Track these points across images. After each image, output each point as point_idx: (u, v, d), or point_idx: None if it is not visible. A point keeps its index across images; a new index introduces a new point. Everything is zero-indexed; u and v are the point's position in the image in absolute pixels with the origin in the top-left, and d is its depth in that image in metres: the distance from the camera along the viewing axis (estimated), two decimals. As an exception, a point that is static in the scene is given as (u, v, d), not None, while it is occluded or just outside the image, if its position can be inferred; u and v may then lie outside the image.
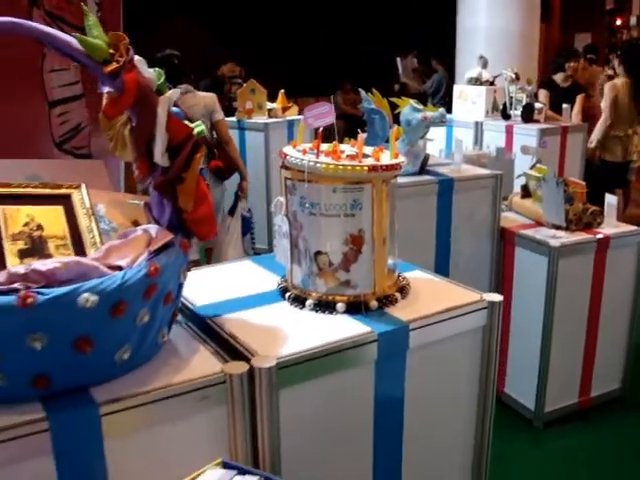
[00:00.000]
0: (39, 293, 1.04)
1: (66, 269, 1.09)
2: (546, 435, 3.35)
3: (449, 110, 6.33)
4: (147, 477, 1.16)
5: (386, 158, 1.51)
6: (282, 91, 5.90)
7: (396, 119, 3.17)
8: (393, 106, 3.13)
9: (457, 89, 6.17)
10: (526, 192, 3.58)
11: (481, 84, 6.00)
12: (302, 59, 11.33)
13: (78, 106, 3.84)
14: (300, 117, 5.93)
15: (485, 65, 6.06)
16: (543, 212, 3.33)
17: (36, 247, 1.25)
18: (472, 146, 5.48)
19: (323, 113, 1.56)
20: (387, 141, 3.09)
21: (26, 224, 1.29)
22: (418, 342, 1.46)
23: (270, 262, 1.78)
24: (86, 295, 1.06)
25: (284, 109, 5.79)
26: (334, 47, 11.75)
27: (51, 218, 1.32)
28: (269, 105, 5.84)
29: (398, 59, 10.13)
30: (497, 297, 1.58)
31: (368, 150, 1.54)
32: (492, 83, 6.03)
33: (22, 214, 1.30)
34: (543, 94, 6.22)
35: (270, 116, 5.78)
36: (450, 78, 8.95)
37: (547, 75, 6.74)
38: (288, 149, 1.53)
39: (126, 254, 1.19)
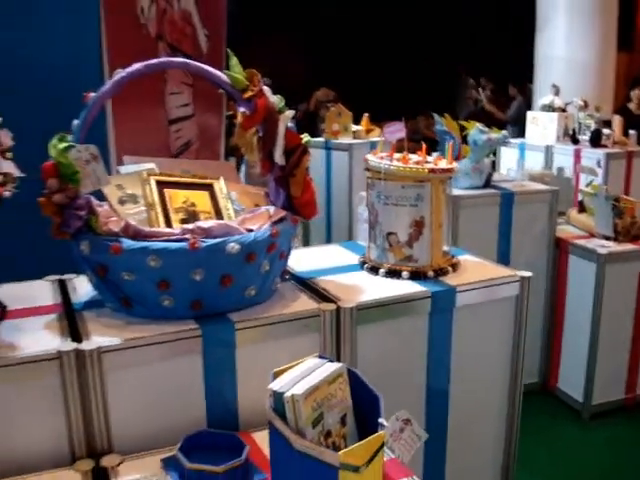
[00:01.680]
0: (202, 241, 1.58)
1: (219, 228, 1.63)
2: (592, 425, 3.75)
3: (522, 134, 6.77)
4: (262, 373, 1.68)
5: (442, 164, 2.02)
6: (366, 115, 6.43)
7: (465, 140, 3.66)
8: (462, 128, 3.62)
9: (530, 115, 6.58)
10: (582, 207, 4.01)
11: (553, 110, 6.41)
12: (387, 85, 11.85)
13: (189, 125, 4.46)
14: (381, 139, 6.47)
15: (557, 93, 6.47)
16: (594, 224, 3.75)
17: (191, 218, 1.79)
18: (542, 168, 5.89)
19: (397, 130, 2.07)
20: (457, 159, 3.61)
21: (184, 202, 1.83)
22: (462, 302, 1.95)
23: (353, 246, 2.31)
24: (232, 244, 1.59)
25: (368, 131, 6.32)
26: (415, 75, 12.24)
27: (200, 199, 1.86)
28: (354, 127, 6.38)
29: (480, 89, 10.54)
30: (527, 273, 2.05)
31: (430, 158, 2.05)
32: (564, 110, 6.43)
33: (180, 195, 1.84)
34: (617, 120, 6.56)
35: (355, 137, 6.31)
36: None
37: (624, 103, 7.07)
38: (370, 156, 2.05)
39: (255, 223, 1.73)
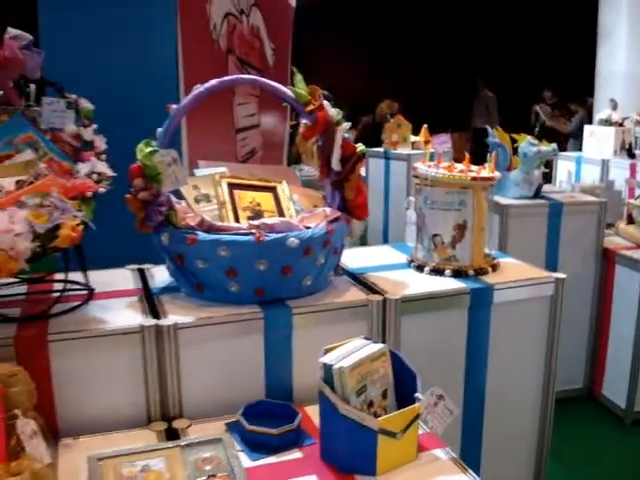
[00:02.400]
0: (266, 236, 1.82)
1: (281, 224, 1.87)
2: (634, 431, 3.86)
3: (580, 148, 6.87)
4: (315, 355, 1.90)
5: (485, 173, 2.22)
6: (425, 126, 6.63)
7: (515, 151, 3.84)
8: (513, 140, 3.80)
9: (588, 129, 6.69)
10: (630, 219, 4.13)
11: (611, 125, 6.50)
12: (446, 97, 12.01)
13: (254, 134, 4.73)
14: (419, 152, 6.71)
15: (615, 107, 6.56)
16: (641, 236, 3.88)
17: (256, 216, 2.02)
18: (598, 181, 5.99)
19: (444, 140, 2.28)
20: (508, 169, 3.78)
21: (250, 202, 2.07)
22: (500, 299, 2.14)
23: (402, 247, 2.52)
24: (292, 239, 1.82)
25: (426, 142, 6.52)
26: (473, 88, 12.37)
27: (265, 199, 2.10)
28: (413, 138, 6.59)
29: (537, 107, 10.63)
30: (561, 275, 2.23)
31: (474, 167, 2.25)
32: (621, 124, 6.52)
33: (248, 196, 2.09)
34: (672, 136, 6.64)
35: (413, 148, 6.52)
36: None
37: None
38: (418, 164, 2.26)
39: (313, 221, 1.96)
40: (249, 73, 4.55)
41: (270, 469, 1.58)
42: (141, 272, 2.25)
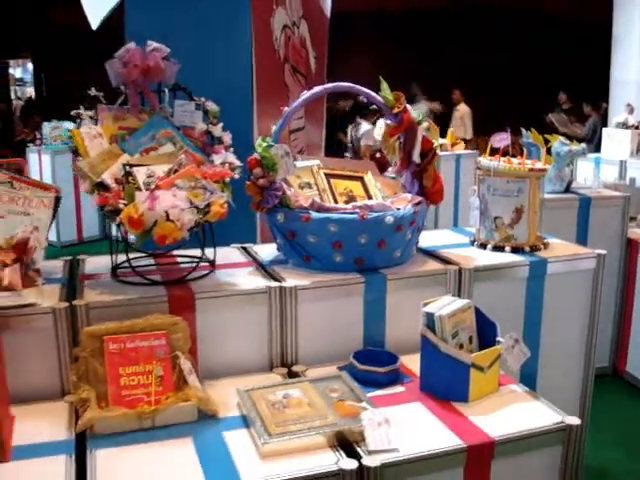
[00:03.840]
0: (368, 214, 2.22)
1: (378, 206, 2.27)
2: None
3: (598, 150, 7.27)
4: (404, 314, 2.28)
5: (538, 165, 2.61)
6: (451, 129, 7.05)
7: (548, 151, 4.23)
8: (546, 141, 4.20)
9: (606, 132, 7.08)
10: (651, 212, 4.53)
11: (627, 128, 6.89)
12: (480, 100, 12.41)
13: (301, 135, 5.13)
14: (465, 152, 7.10)
15: (631, 112, 6.95)
16: (661, 227, 4.28)
17: (350, 200, 2.42)
18: (615, 179, 6.39)
19: (502, 138, 2.67)
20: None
21: (344, 189, 2.47)
22: (552, 271, 2.54)
23: (460, 230, 2.92)
24: (389, 217, 2.22)
25: (453, 145, 6.93)
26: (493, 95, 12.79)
27: (355, 187, 2.50)
28: (440, 141, 6.99)
29: (551, 116, 11.00)
30: (602, 251, 2.63)
31: (528, 162, 2.65)
32: (637, 127, 6.91)
33: (342, 184, 2.49)
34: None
35: (441, 150, 6.93)
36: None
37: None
38: (481, 158, 2.66)
39: (399, 204, 2.36)
40: (299, 80, 4.97)
41: (382, 399, 1.97)
42: (245, 249, 2.65)
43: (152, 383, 1.89)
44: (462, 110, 11.21)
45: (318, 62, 5.71)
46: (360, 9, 12.65)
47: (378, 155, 7.53)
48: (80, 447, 1.75)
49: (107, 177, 2.08)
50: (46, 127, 8.29)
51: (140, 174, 2.09)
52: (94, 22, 4.10)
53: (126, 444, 1.76)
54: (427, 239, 2.73)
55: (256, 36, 3.65)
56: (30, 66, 28.07)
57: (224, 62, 3.47)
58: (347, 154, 8.73)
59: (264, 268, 2.39)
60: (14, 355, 1.91)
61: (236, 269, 2.38)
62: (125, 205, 1.99)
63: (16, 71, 28.52)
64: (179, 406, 1.85)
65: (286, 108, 2.38)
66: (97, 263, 2.46)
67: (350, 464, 1.65)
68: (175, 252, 2.48)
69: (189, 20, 3.48)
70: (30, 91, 27.24)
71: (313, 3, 5.54)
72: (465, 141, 8.35)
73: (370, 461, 1.66)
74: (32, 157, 8.14)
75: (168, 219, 1.94)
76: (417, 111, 2.54)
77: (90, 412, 1.80)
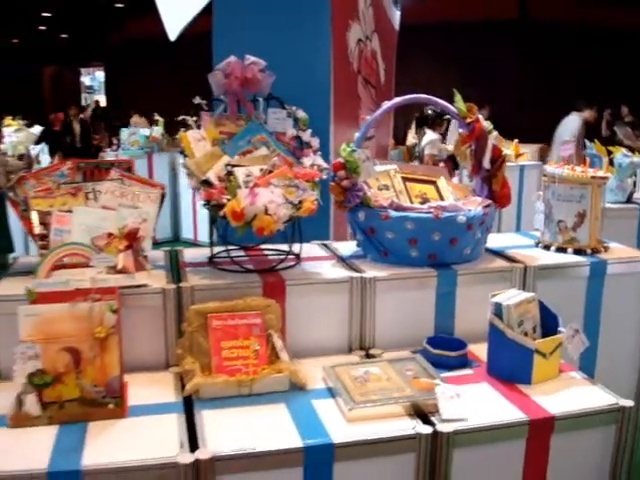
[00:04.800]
0: (442, 214, 2.44)
1: (451, 206, 2.49)
2: None
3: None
4: (472, 306, 2.49)
5: (600, 173, 2.81)
6: (516, 140, 7.21)
7: (611, 162, 4.40)
8: (609, 152, 4.37)
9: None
10: None
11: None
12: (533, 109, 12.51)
13: (371, 144, 5.37)
14: (529, 163, 7.25)
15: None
16: None
17: (425, 202, 2.65)
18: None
19: (568, 148, 2.88)
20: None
21: (419, 191, 2.71)
22: (611, 272, 2.72)
23: (524, 234, 3.12)
24: (461, 216, 2.44)
25: (517, 155, 7.09)
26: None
27: (429, 190, 2.73)
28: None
29: (616, 127, 11.01)
30: (656, 256, 2.81)
31: (590, 170, 2.84)
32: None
33: (416, 187, 2.72)
34: None
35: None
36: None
37: None
38: (547, 166, 2.86)
39: (471, 205, 2.58)
40: (370, 91, 5.22)
41: (452, 379, 2.19)
42: (325, 245, 2.90)
43: (250, 356, 2.14)
44: None
45: (387, 74, 5.95)
46: (423, 22, 12.86)
47: (441, 165, 7.73)
48: (187, 409, 2.02)
49: (211, 175, 2.35)
50: (124, 132, 8.71)
51: (240, 173, 2.36)
52: (172, 34, 4.41)
53: (227, 407, 2.01)
54: (494, 241, 2.93)
55: (334, 50, 3.91)
56: (99, 74, 29.00)
57: (305, 74, 3.73)
58: (415, 162, 8.93)
59: (344, 261, 2.63)
60: (126, 329, 2.18)
61: (319, 262, 2.63)
62: (228, 200, 2.25)
63: (85, 79, 29.52)
64: (273, 377, 2.10)
65: (367, 117, 2.62)
66: (192, 254, 2.74)
67: (426, 429, 1.88)
68: (262, 246, 2.74)
69: (273, 34, 3.75)
70: (98, 98, 28.11)
71: (384, 17, 5.79)
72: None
73: (443, 427, 1.88)
74: (109, 161, 8.54)
75: (266, 213, 2.20)
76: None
77: (196, 379, 2.06)
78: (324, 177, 2.47)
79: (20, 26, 20.98)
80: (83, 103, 26.68)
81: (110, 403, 1.97)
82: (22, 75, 23.51)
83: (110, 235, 2.41)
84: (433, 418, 1.95)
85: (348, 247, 2.81)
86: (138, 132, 8.61)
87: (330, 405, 2.03)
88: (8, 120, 6.79)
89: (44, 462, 1.72)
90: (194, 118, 2.54)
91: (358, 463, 1.87)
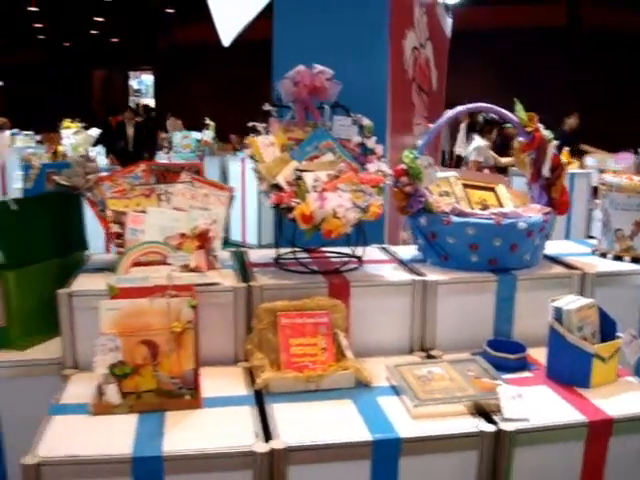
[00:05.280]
0: (503, 220, 2.51)
1: (511, 213, 2.56)
2: None
3: None
4: (531, 310, 2.55)
5: (659, 183, 2.85)
6: (567, 149, 7.21)
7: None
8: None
9: None
10: None
11: None
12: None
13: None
14: (579, 171, 7.27)
15: None
16: None
17: (485, 208, 2.72)
18: None
19: (624, 158, 2.92)
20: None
21: (479, 197, 2.78)
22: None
23: (580, 242, 3.17)
24: (521, 223, 2.51)
25: (567, 163, 7.08)
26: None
27: (489, 197, 2.80)
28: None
29: None
30: None
31: (649, 179, 2.89)
32: None
33: (476, 194, 2.79)
34: None
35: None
36: None
37: None
38: (605, 175, 2.91)
39: (531, 212, 2.64)
40: (423, 98, 5.29)
41: (512, 381, 2.25)
42: (384, 249, 2.98)
43: (317, 353, 2.24)
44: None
45: (439, 81, 6.03)
46: (470, 28, 12.87)
47: (486, 171, 7.77)
48: (258, 402, 2.11)
49: (281, 180, 2.45)
50: (177, 136, 8.90)
51: (308, 178, 2.45)
52: (226, 39, 4.53)
53: (296, 401, 2.11)
54: (551, 248, 2.98)
55: (391, 58, 3.99)
56: (146, 77, 29.47)
57: (363, 81, 3.81)
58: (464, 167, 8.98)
59: (405, 265, 2.71)
60: (199, 325, 2.29)
61: (380, 265, 2.71)
62: (297, 203, 2.35)
63: (133, 82, 30.03)
64: (340, 373, 2.19)
65: (431, 125, 2.70)
66: (257, 255, 2.85)
67: (489, 427, 1.95)
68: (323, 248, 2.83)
69: (332, 41, 3.84)
70: (146, 102, 28.55)
71: (437, 25, 5.86)
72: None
73: (506, 426, 1.95)
74: (162, 163, 8.74)
75: (335, 216, 2.29)
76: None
77: (267, 373, 2.16)
78: (389, 183, 2.55)
79: (73, 30, 21.47)
80: (132, 106, 27.11)
81: (186, 394, 2.07)
82: (73, 77, 24.03)
83: (183, 235, 2.52)
84: (495, 417, 2.01)
85: (407, 251, 2.89)
86: (190, 136, 8.79)
87: (394, 402, 2.11)
88: (67, 122, 6.99)
89: (129, 448, 1.83)
90: (263, 124, 2.64)
91: (423, 458, 1.95)
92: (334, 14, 3.89)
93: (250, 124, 2.65)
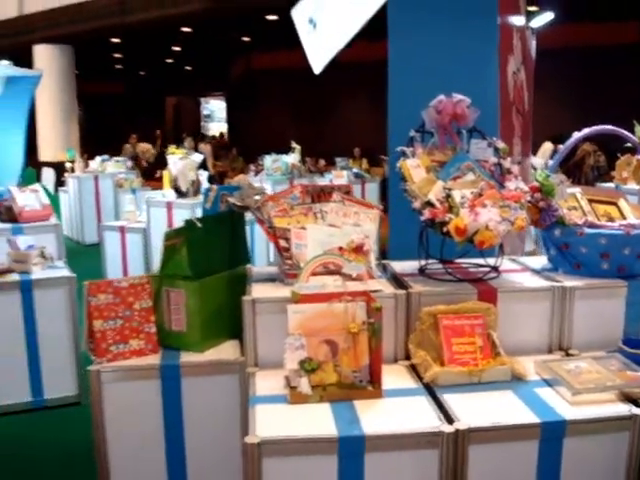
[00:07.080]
0: (632, 230, 2.77)
1: (639, 224, 2.82)
2: None
3: None
4: None
5: None
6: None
7: None
8: None
9: None
10: None
11: None
12: None
13: (520, 169, 5.69)
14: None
15: None
16: None
17: (610, 221, 2.98)
18: None
19: None
20: None
21: (604, 211, 3.05)
22: None
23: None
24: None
25: (651, 177, 7.26)
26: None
27: (613, 210, 3.06)
28: (640, 174, 7.35)
29: None
30: None
31: None
32: None
33: (601, 207, 3.06)
34: None
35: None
36: None
37: None
38: None
39: None
40: (519, 120, 5.56)
41: (650, 374, 2.51)
42: (513, 260, 3.27)
43: (475, 351, 2.53)
44: None
45: (528, 102, 6.29)
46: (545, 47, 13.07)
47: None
48: (429, 393, 2.42)
49: (432, 197, 2.76)
50: (267, 160, 9.32)
51: (456, 195, 2.76)
52: (317, 67, 4.84)
53: (462, 392, 2.40)
54: None
55: (500, 84, 4.29)
56: (214, 103, 30.25)
57: (476, 105, 4.11)
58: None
59: (539, 273, 2.99)
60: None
61: (516, 273, 3.00)
62: (450, 218, 2.66)
63: (203, 108, 30.85)
64: (498, 368, 2.48)
65: (560, 146, 2.98)
66: (401, 266, 3.15)
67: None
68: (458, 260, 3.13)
69: (444, 69, 4.15)
70: (217, 126, 29.30)
71: (528, 49, 6.13)
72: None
73: (656, 410, 2.23)
74: (253, 186, 9.16)
75: (487, 229, 2.59)
76: None
77: (434, 368, 2.46)
78: (528, 199, 2.84)
79: (149, 59, 22.30)
80: (202, 131, 27.89)
81: (369, 386, 2.39)
82: (147, 104, 24.88)
83: (341, 249, 2.84)
84: (643, 405, 2.28)
85: (536, 261, 3.17)
86: (280, 159, 9.19)
87: (549, 393, 2.39)
88: (172, 149, 7.44)
89: (333, 430, 2.15)
90: (410, 148, 2.96)
91: (582, 439, 2.23)
92: (446, 41, 4.19)
93: (399, 149, 2.97)
